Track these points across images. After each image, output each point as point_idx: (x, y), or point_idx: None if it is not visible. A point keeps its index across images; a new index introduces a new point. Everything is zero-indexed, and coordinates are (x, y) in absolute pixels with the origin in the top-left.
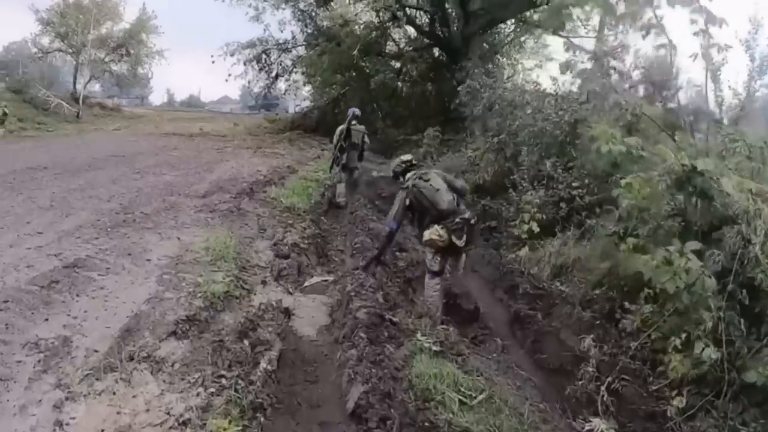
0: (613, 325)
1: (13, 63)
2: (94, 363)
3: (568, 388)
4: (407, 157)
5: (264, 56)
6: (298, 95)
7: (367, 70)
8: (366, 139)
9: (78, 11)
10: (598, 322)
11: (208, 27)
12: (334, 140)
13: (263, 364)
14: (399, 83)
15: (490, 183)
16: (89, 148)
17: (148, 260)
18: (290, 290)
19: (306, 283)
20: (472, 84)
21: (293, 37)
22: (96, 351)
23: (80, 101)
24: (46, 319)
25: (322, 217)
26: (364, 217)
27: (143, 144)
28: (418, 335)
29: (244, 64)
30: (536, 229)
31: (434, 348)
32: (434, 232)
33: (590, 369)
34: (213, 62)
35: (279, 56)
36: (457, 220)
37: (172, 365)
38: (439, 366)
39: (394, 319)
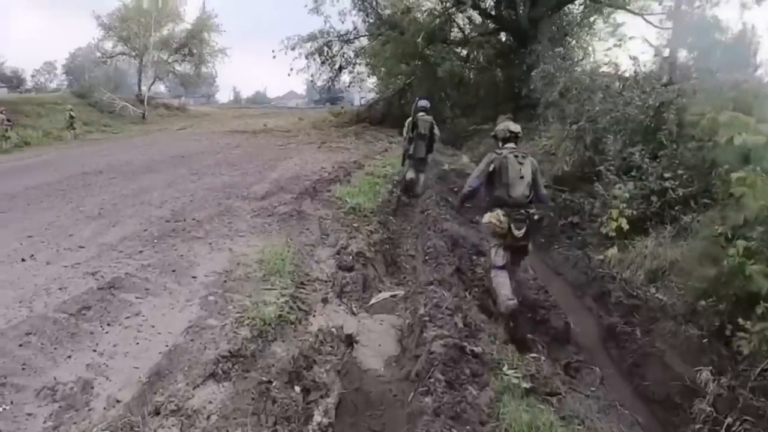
0: (723, 344)
1: (79, 68)
2: (112, 419)
3: None
4: (516, 127)
5: (326, 48)
6: (362, 87)
7: (433, 59)
8: (435, 130)
9: (138, 15)
10: (706, 340)
11: (270, 22)
12: (404, 133)
13: (318, 417)
14: (466, 71)
15: (569, 174)
16: (150, 150)
17: (194, 277)
18: (354, 309)
19: (372, 300)
20: (545, 68)
21: (355, 28)
22: (118, 401)
23: (145, 102)
24: (69, 357)
25: (391, 218)
26: (436, 217)
27: (205, 143)
28: (505, 368)
29: (306, 57)
30: (625, 226)
31: (524, 385)
32: (495, 216)
33: (706, 407)
34: (274, 57)
35: (341, 48)
36: (521, 211)
37: (207, 418)
38: (531, 412)
39: (476, 350)
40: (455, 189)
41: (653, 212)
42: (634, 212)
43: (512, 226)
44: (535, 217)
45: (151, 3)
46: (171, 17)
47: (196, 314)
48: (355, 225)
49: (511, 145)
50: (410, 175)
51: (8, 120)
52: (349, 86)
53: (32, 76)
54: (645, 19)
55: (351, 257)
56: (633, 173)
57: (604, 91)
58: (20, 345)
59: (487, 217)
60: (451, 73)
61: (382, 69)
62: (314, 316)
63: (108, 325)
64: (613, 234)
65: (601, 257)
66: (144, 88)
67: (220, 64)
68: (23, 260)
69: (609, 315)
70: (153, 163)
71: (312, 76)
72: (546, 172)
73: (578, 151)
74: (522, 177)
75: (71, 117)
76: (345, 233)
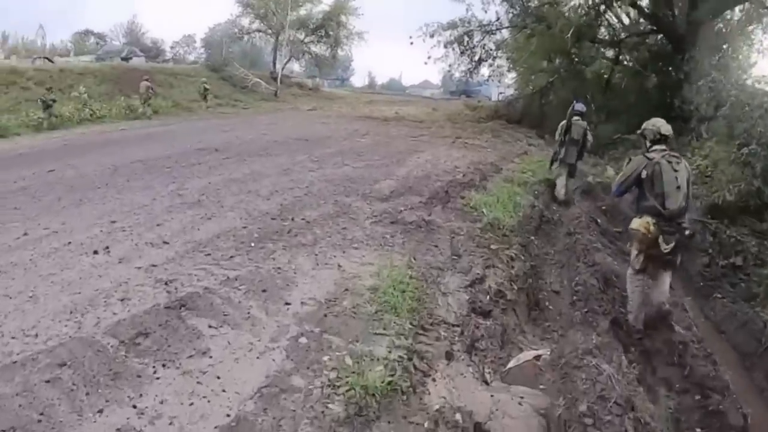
0: None
1: (216, 43)
2: None
3: None
4: (668, 129)
5: (466, 38)
6: (501, 82)
7: (579, 58)
8: (589, 136)
9: None
10: None
11: (409, 8)
12: (556, 136)
13: None
14: (615, 73)
15: (730, 204)
16: (273, 129)
17: (287, 304)
18: (487, 376)
19: (511, 363)
20: (708, 79)
21: (497, 19)
22: None
23: (278, 80)
24: (100, 411)
25: (533, 238)
26: (586, 245)
27: (332, 126)
28: None
29: (445, 46)
30: None
31: None
32: (644, 224)
33: None
34: (411, 43)
35: (482, 39)
36: (674, 223)
37: None
38: None
39: None
40: (604, 207)
41: None
42: None
43: (661, 238)
44: (687, 231)
45: None
46: None
47: (278, 365)
48: (492, 247)
49: (660, 146)
50: (561, 179)
51: (152, 89)
52: (487, 80)
53: (171, 47)
54: None
55: (488, 296)
56: None
57: None
58: (47, 381)
59: (636, 224)
60: (599, 74)
61: (524, 64)
62: (434, 380)
63: (163, 366)
64: None
65: None
66: (278, 66)
67: (356, 47)
68: (95, 253)
69: None
70: (272, 144)
71: (450, 66)
72: (701, 197)
73: (745, 179)
74: (678, 187)
75: (205, 89)
76: (481, 258)
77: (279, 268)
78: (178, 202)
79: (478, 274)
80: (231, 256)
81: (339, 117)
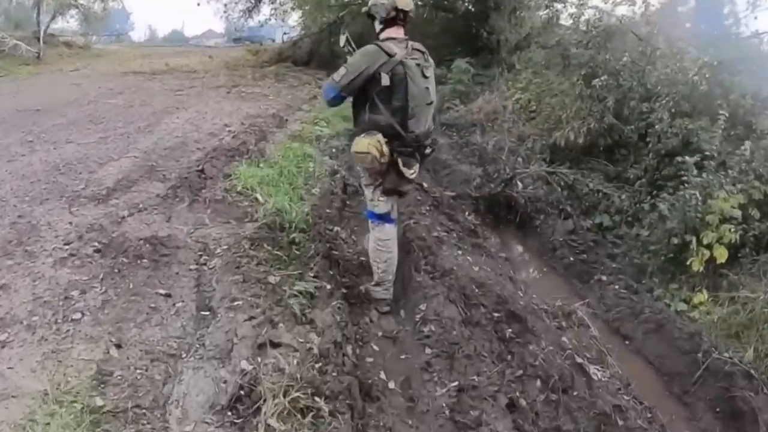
0: None
1: None
2: None
3: None
4: (405, 2)
5: None
6: (285, 22)
7: None
8: None
9: None
10: None
11: None
12: None
13: None
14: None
15: (576, 145)
16: (11, 99)
17: None
18: None
19: None
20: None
21: None
22: None
23: (40, 40)
24: None
25: (339, 232)
26: (425, 238)
27: (84, 88)
28: None
29: None
30: (722, 258)
31: None
32: (374, 144)
33: None
34: None
35: None
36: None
37: None
38: None
39: None
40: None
41: (755, 236)
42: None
43: (400, 161)
44: (428, 150)
45: None
46: None
47: None
48: (272, 279)
49: (400, 34)
50: None
51: None
52: (268, 20)
53: None
54: None
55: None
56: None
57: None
58: None
59: (364, 144)
60: None
61: (310, 0)
62: None
63: None
64: (700, 268)
65: (685, 307)
66: (42, 25)
67: None
68: None
69: None
70: None
71: (225, 6)
72: (533, 138)
73: (594, 116)
74: (430, 103)
75: None
76: (250, 311)
77: None
78: None
79: (243, 370)
80: None
81: (100, 76)
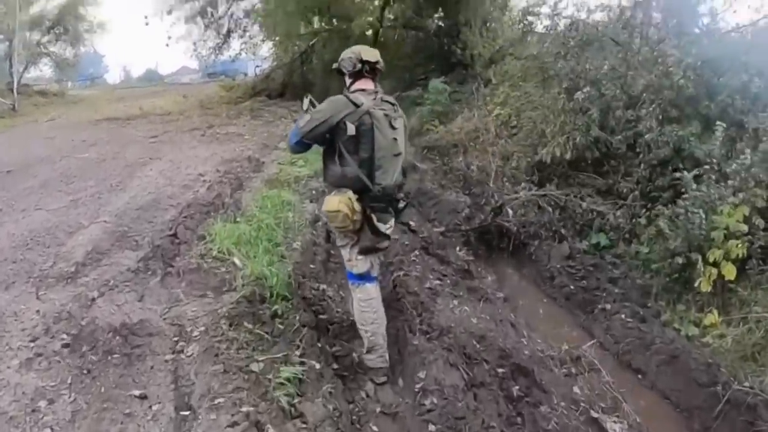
0: None
1: None
2: None
3: None
4: (374, 54)
5: (210, 10)
6: (257, 55)
7: (339, 14)
8: None
9: None
10: None
11: None
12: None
13: None
14: (386, 26)
15: (562, 161)
16: None
17: None
18: None
19: None
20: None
21: None
22: None
23: (14, 91)
24: None
25: (325, 290)
26: (416, 293)
27: (57, 141)
28: None
29: (186, 22)
30: (731, 274)
31: None
32: (345, 201)
33: None
34: (147, 24)
35: (229, 7)
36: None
37: None
38: None
39: None
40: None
41: (761, 246)
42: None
43: (374, 217)
44: (402, 204)
45: None
46: None
47: None
48: (257, 368)
49: (369, 85)
50: None
51: None
52: (239, 54)
53: None
54: None
55: None
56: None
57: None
58: None
59: (334, 203)
60: (367, 29)
61: (281, 30)
62: None
63: None
64: (708, 287)
65: (696, 330)
66: (15, 76)
67: (100, 41)
68: None
69: None
70: None
71: (195, 44)
72: (517, 156)
73: (580, 129)
74: (398, 154)
75: None
76: (231, 415)
77: None
78: None
79: None
80: None
81: (74, 126)
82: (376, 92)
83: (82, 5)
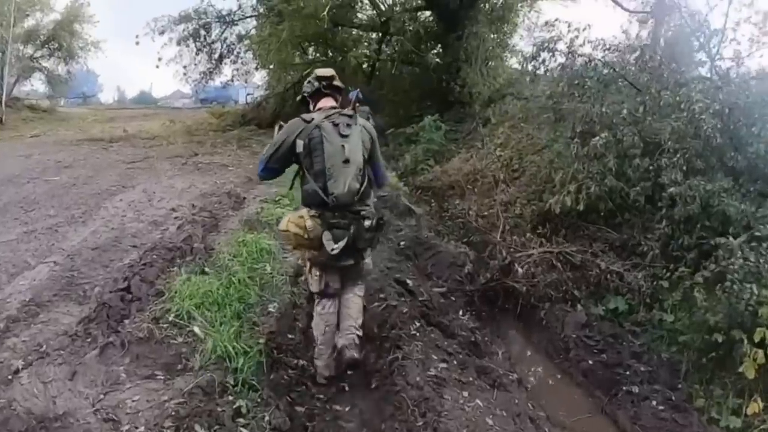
0: None
1: None
2: None
3: None
4: (326, 71)
5: (203, 32)
6: (248, 82)
7: (336, 45)
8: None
9: None
10: None
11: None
12: None
13: None
14: (382, 60)
15: (574, 211)
16: None
17: None
18: None
19: None
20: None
21: (239, 7)
22: None
23: (2, 104)
24: None
25: (307, 369)
26: (417, 385)
27: (33, 159)
28: None
29: (178, 44)
30: None
31: None
32: (297, 220)
33: None
34: (137, 43)
35: (222, 31)
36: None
37: None
38: None
39: None
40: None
41: None
42: None
43: (326, 235)
44: (368, 222)
45: None
46: (38, 5)
47: None
48: None
49: (329, 104)
50: None
51: None
52: (230, 83)
53: None
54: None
55: None
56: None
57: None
58: None
59: (284, 223)
60: (363, 61)
61: (275, 58)
62: None
63: None
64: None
65: (739, 422)
66: (4, 88)
67: (95, 60)
68: None
69: None
70: None
71: (185, 67)
72: (521, 202)
73: (594, 178)
74: (347, 160)
75: None
76: None
77: None
78: None
79: None
80: None
81: (55, 144)
82: (335, 108)
83: (78, 22)
